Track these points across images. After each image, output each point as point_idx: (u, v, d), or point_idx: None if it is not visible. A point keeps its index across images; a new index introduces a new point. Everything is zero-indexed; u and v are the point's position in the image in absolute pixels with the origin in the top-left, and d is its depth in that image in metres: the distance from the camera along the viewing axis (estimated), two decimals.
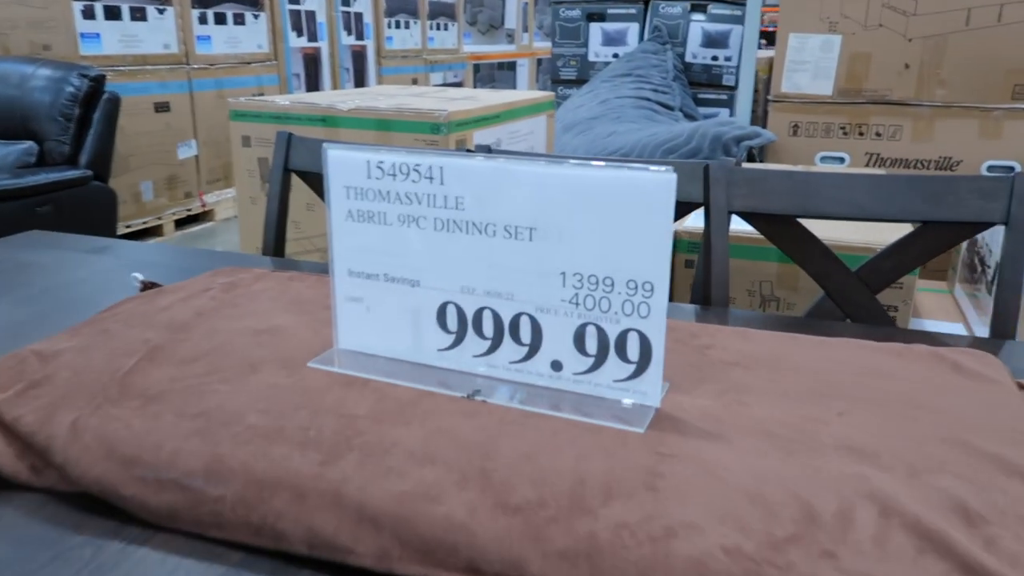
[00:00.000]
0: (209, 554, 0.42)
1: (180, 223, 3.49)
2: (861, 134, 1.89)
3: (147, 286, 0.79)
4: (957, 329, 1.53)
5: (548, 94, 1.96)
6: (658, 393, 0.51)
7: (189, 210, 3.51)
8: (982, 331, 1.42)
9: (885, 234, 1.22)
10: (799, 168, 1.25)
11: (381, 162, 0.55)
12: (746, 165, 1.19)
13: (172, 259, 1.01)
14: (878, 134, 1.88)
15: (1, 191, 2.26)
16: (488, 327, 0.55)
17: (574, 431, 0.48)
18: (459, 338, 0.56)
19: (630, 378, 0.51)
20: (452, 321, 0.56)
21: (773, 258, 1.18)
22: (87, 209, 2.60)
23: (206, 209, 3.62)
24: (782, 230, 0.84)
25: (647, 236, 0.48)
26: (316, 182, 1.08)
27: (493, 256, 0.53)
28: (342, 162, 0.57)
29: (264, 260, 1.00)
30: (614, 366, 0.51)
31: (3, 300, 0.82)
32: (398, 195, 0.55)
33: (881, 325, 0.81)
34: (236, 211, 3.75)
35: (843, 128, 1.90)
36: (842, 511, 0.40)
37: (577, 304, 0.51)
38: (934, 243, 0.80)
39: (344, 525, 0.41)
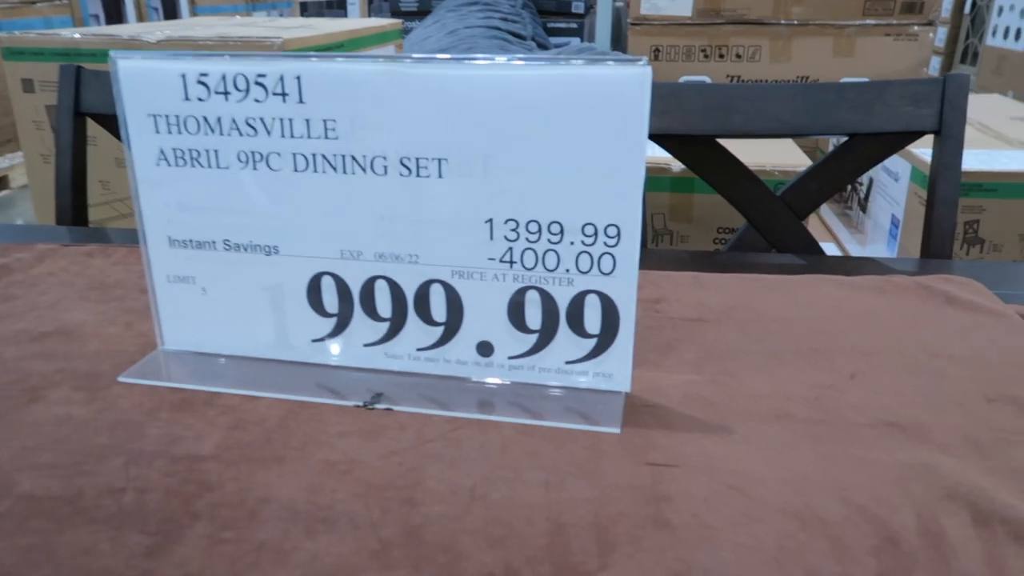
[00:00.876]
0: None
1: None
2: (721, 56, 1.83)
3: None
4: (831, 249, 1.52)
5: (395, 22, 1.75)
6: (627, 374, 0.38)
7: None
8: (856, 250, 1.41)
9: (790, 156, 1.15)
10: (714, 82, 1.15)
11: (205, 75, 0.37)
12: None
13: None
14: (738, 55, 1.83)
15: None
16: (384, 304, 0.39)
17: (528, 442, 0.34)
18: (342, 323, 0.40)
19: (588, 357, 0.38)
20: (330, 299, 0.39)
21: (666, 188, 1.08)
22: None
23: None
24: (701, 153, 0.72)
25: (611, 160, 0.34)
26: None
27: (386, 203, 0.37)
28: (143, 79, 0.38)
29: (58, 231, 0.77)
30: (566, 343, 0.38)
31: None
32: (235, 123, 0.37)
33: (811, 254, 0.72)
34: None
35: (704, 51, 1.84)
36: (926, 525, 0.29)
37: (512, 263, 0.37)
38: (863, 158, 0.72)
39: None
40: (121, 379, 0.40)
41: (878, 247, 1.26)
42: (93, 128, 0.86)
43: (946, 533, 0.28)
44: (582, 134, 0.34)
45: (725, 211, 1.02)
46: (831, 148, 1.60)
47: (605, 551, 0.28)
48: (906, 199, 1.13)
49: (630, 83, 0.33)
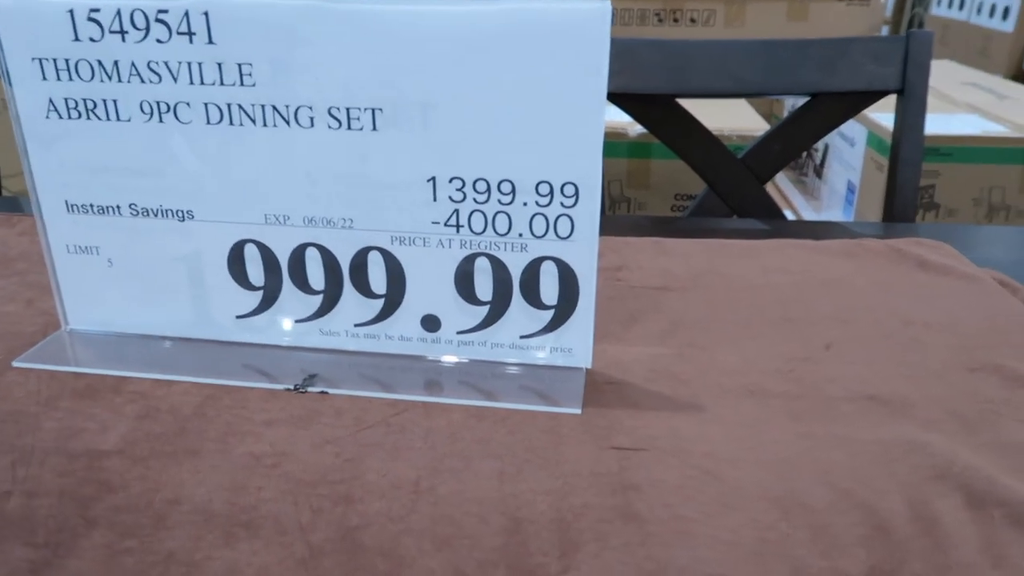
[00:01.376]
0: None
1: None
2: (676, 20, 1.80)
3: None
4: (788, 216, 1.51)
5: None
6: (588, 349, 0.34)
7: None
8: (812, 216, 1.40)
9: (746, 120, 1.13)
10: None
11: (96, 11, 0.32)
12: None
13: None
14: (692, 20, 1.80)
15: None
16: (316, 275, 0.35)
17: (479, 427, 0.31)
18: (270, 296, 0.35)
19: (545, 330, 0.34)
20: (255, 270, 0.35)
21: (623, 154, 1.04)
22: None
23: None
24: (660, 114, 0.69)
25: (568, 109, 0.30)
26: None
27: (314, 160, 0.33)
28: (24, 16, 0.33)
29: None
30: (520, 315, 0.34)
31: None
32: (135, 67, 0.32)
33: (773, 219, 0.70)
34: None
35: (658, 14, 1.80)
36: (917, 510, 0.26)
37: (458, 227, 0.33)
38: (825, 119, 0.69)
39: None
40: (16, 364, 0.35)
41: (834, 213, 1.25)
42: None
43: (939, 518, 0.26)
44: (536, 79, 0.30)
45: (683, 177, 0.99)
46: (786, 112, 1.59)
47: (568, 550, 0.24)
48: (862, 164, 1.11)
49: (589, 20, 0.29)
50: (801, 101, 0.70)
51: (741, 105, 1.22)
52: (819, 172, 1.37)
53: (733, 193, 0.71)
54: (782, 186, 1.58)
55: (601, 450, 0.29)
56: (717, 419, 0.31)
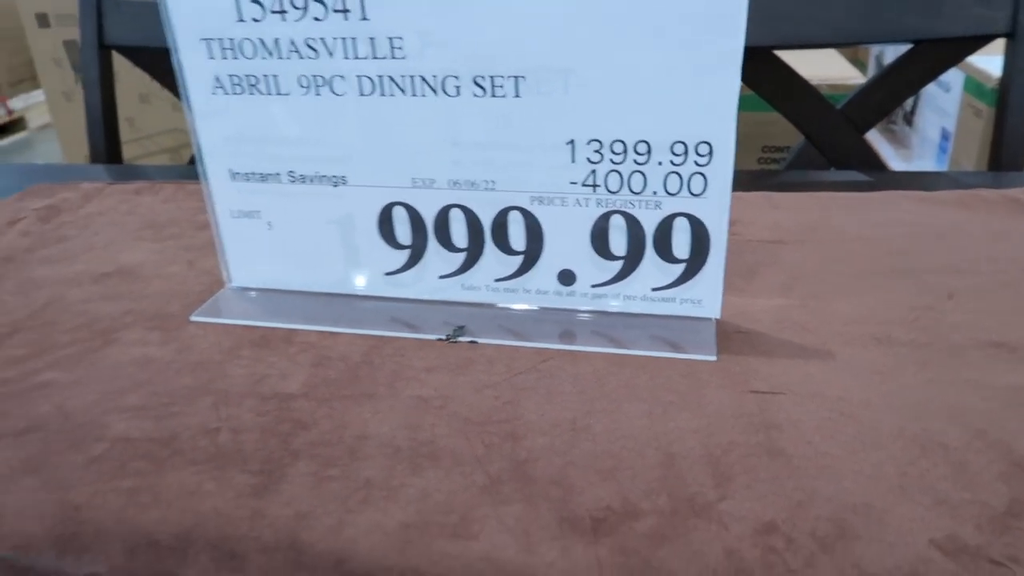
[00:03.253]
0: None
1: None
2: None
3: None
4: None
5: None
6: (718, 300, 0.36)
7: None
8: (900, 165, 1.37)
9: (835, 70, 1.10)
10: None
11: None
12: None
13: None
14: None
15: None
16: (459, 234, 0.37)
17: (621, 372, 0.33)
18: (416, 254, 0.38)
19: (675, 284, 0.36)
20: (403, 231, 0.38)
21: None
22: None
23: (14, 117, 3.08)
24: (756, 65, 0.69)
25: (704, 73, 0.32)
26: (149, 60, 0.82)
27: (459, 127, 0.35)
28: (193, 2, 0.36)
29: (96, 170, 0.76)
30: (652, 269, 0.36)
31: None
32: (294, 45, 0.35)
33: (872, 170, 0.69)
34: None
35: None
36: None
37: (595, 187, 0.35)
38: (930, 66, 0.68)
39: None
40: (193, 318, 0.39)
41: (926, 162, 1.22)
42: (116, 62, 0.84)
43: None
44: (673, 44, 0.32)
45: (772, 128, 0.98)
46: (872, 58, 1.53)
47: (722, 481, 0.27)
48: (959, 111, 1.08)
49: None
50: (895, 48, 0.68)
51: (830, 53, 1.19)
52: (909, 120, 1.33)
53: (832, 144, 0.70)
54: (868, 135, 1.54)
55: (740, 394, 0.31)
56: (847, 366, 0.33)
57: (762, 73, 0.69)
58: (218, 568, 0.25)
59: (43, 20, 1.34)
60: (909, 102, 1.31)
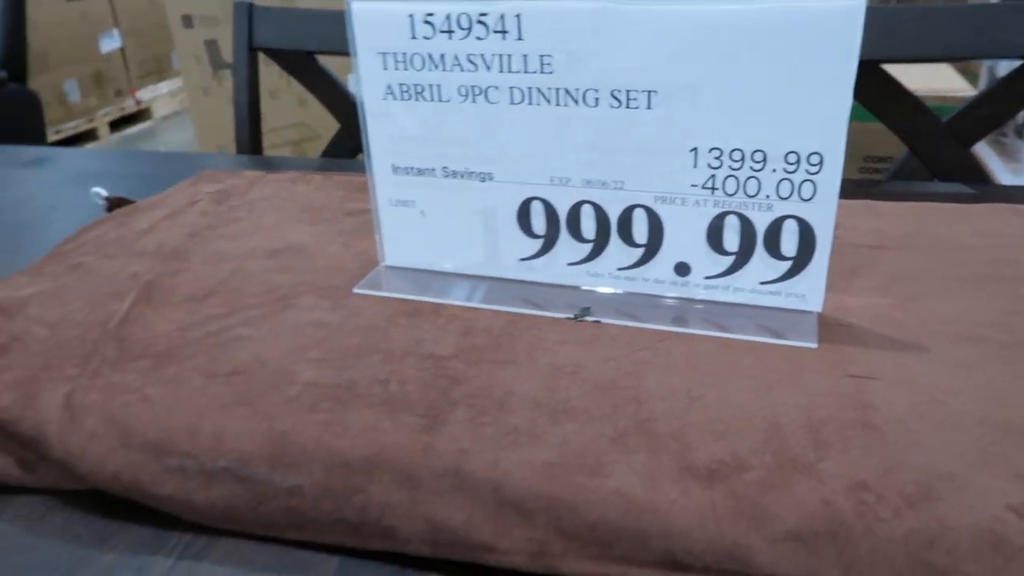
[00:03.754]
0: (295, 563, 0.32)
1: (115, 125, 3.20)
2: None
3: (115, 203, 0.64)
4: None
5: None
6: (820, 295, 0.40)
7: (123, 109, 3.22)
8: (1009, 179, 1.34)
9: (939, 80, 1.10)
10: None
11: (430, 15, 0.41)
12: None
13: (129, 166, 0.85)
14: None
15: None
16: (588, 227, 0.43)
17: (729, 354, 0.38)
18: (549, 243, 0.44)
19: (782, 279, 0.40)
20: (539, 222, 0.43)
21: None
22: (9, 116, 2.32)
23: (141, 108, 3.32)
24: (863, 77, 0.71)
25: (819, 91, 0.36)
26: (291, 61, 0.91)
27: (595, 133, 0.40)
28: (373, 20, 0.42)
29: (242, 160, 0.85)
30: (761, 265, 0.40)
31: None
32: (457, 59, 0.41)
33: (977, 183, 0.71)
34: (175, 107, 3.46)
35: None
36: None
37: (713, 189, 0.39)
38: None
39: (478, 515, 0.30)
40: (356, 290, 0.45)
41: None
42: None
43: None
44: (791, 67, 0.36)
45: (873, 139, 0.99)
46: (984, 69, 1.50)
47: (820, 447, 0.31)
48: None
49: (842, 17, 0.34)
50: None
51: (940, 64, 1.19)
52: (1021, 132, 1.30)
53: (935, 157, 0.72)
54: (977, 148, 1.51)
55: (838, 377, 0.35)
56: (938, 359, 0.36)
57: (867, 84, 0.72)
58: (398, 487, 0.31)
59: (188, 21, 1.47)
60: (1021, 115, 1.28)
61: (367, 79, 0.43)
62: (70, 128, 2.96)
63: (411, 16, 0.41)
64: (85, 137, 3.04)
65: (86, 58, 3.01)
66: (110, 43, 3.12)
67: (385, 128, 0.44)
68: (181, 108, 3.49)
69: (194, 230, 0.55)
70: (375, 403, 0.35)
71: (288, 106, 1.38)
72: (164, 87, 3.41)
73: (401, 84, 0.43)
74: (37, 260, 0.52)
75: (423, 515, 0.31)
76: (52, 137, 2.82)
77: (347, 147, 0.91)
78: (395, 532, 0.31)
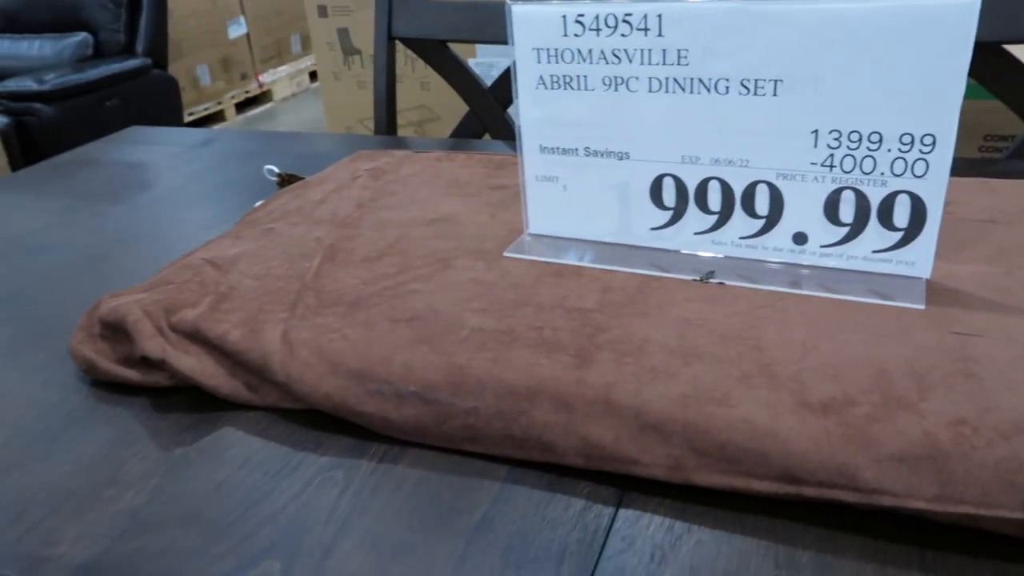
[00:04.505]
0: (469, 469, 0.39)
1: (240, 106, 3.42)
2: None
3: (285, 179, 0.74)
4: None
5: None
6: (929, 263, 0.44)
7: (247, 92, 3.43)
8: None
9: None
10: None
11: (581, 16, 0.47)
12: None
13: (284, 145, 0.96)
14: None
15: (70, 86, 2.22)
16: (714, 200, 0.48)
17: (841, 312, 0.43)
18: (677, 214, 0.49)
19: (893, 248, 0.45)
20: (669, 196, 0.49)
21: None
22: (152, 99, 2.54)
23: (263, 90, 3.53)
24: (981, 57, 0.73)
25: (934, 80, 0.40)
26: (426, 50, 0.99)
27: (725, 117, 0.46)
28: (530, 20, 0.49)
29: (384, 140, 0.93)
30: (874, 235, 0.45)
31: (130, 204, 0.78)
32: (603, 54, 0.47)
33: None
34: (293, 89, 3.65)
35: None
36: None
37: (831, 167, 0.44)
38: None
39: (624, 434, 0.37)
40: (506, 254, 0.52)
41: None
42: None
43: None
44: (907, 59, 0.40)
45: (995, 118, 0.98)
46: None
47: (923, 390, 0.36)
48: None
49: (958, 13, 0.38)
50: None
51: None
52: None
53: None
54: None
55: (943, 334, 0.40)
56: None
57: (988, 64, 0.73)
58: (556, 411, 0.38)
59: (322, 11, 1.58)
60: None
61: (522, 71, 0.50)
62: (201, 110, 3.19)
63: (564, 17, 0.47)
64: (214, 118, 3.26)
65: (215, 44, 3.23)
66: (237, 29, 3.33)
67: (536, 114, 0.51)
68: (299, 90, 3.68)
69: (359, 202, 0.64)
70: (532, 345, 0.42)
71: (412, 90, 1.47)
72: (283, 70, 3.61)
73: (552, 75, 0.49)
74: (217, 225, 0.62)
75: (577, 434, 0.38)
76: (186, 119, 3.04)
77: (474, 129, 0.99)
78: (554, 447, 0.38)
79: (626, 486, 0.37)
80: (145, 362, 0.46)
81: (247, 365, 0.45)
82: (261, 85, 3.50)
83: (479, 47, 1.45)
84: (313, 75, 3.82)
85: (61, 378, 0.49)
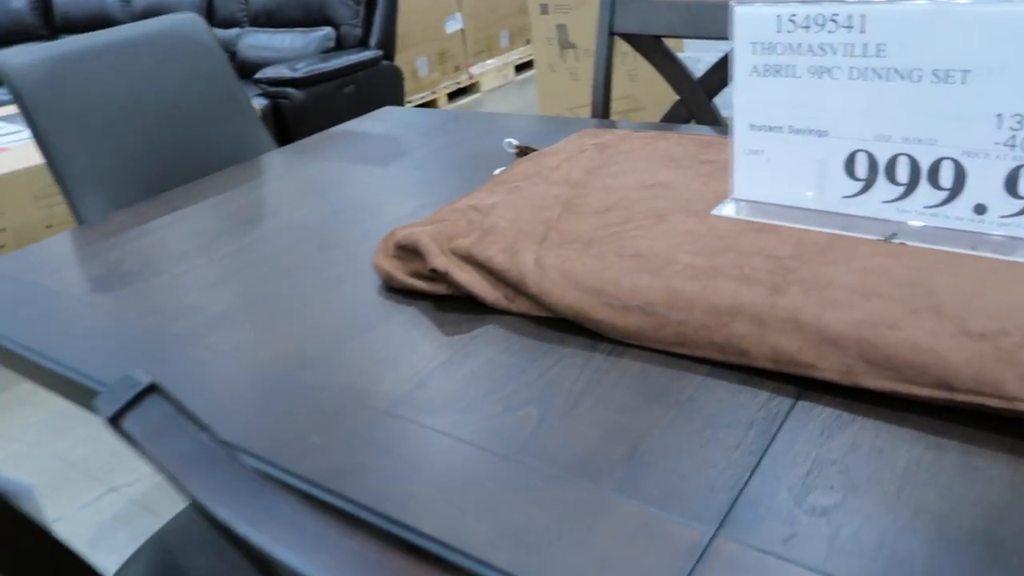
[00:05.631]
0: (677, 366, 0.51)
1: (451, 96, 3.71)
2: None
3: (522, 150, 0.89)
4: None
5: None
6: None
7: (458, 83, 3.71)
8: None
9: None
10: None
11: (793, 15, 0.57)
12: None
13: (514, 125, 1.11)
14: None
15: (317, 74, 2.56)
16: (903, 173, 0.56)
17: (1012, 272, 0.50)
18: (868, 185, 0.58)
19: None
20: (861, 169, 0.58)
21: None
22: (380, 87, 2.85)
23: (472, 81, 3.80)
24: None
25: None
26: (642, 44, 1.11)
27: (916, 102, 0.54)
28: (750, 19, 0.59)
29: (595, 123, 1.06)
30: None
31: (393, 166, 0.96)
32: (810, 47, 0.57)
33: None
34: (500, 81, 3.89)
35: None
36: None
37: (1013, 146, 0.51)
38: None
39: (806, 345, 0.47)
40: (714, 213, 0.63)
41: None
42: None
43: None
44: None
45: None
46: None
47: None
48: None
49: None
50: None
51: None
52: None
53: None
54: None
55: None
56: None
57: None
58: (752, 325, 0.49)
59: (544, 9, 1.75)
60: None
61: (739, 60, 0.61)
62: (418, 99, 3.50)
63: (779, 16, 0.57)
64: (428, 106, 3.57)
65: (434, 38, 3.53)
66: (453, 25, 3.61)
67: (747, 97, 0.61)
68: (504, 82, 3.92)
69: (588, 169, 0.77)
70: (734, 278, 0.53)
71: (620, 81, 1.59)
72: (491, 63, 3.87)
73: (764, 64, 0.59)
74: (463, 185, 0.77)
75: (768, 343, 0.48)
76: (406, 106, 3.36)
77: (682, 115, 1.09)
78: (748, 352, 0.49)
79: (804, 387, 0.47)
80: (428, 276, 0.62)
81: (507, 281, 0.59)
82: (471, 77, 3.78)
83: (687, 42, 1.54)
84: (518, 68, 4.04)
85: (361, 288, 0.67)
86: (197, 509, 0.27)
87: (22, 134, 2.26)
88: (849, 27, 0.54)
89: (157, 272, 0.75)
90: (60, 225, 1.94)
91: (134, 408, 0.29)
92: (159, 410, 0.28)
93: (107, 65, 1.13)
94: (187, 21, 1.22)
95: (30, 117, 1.06)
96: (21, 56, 1.08)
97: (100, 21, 3.29)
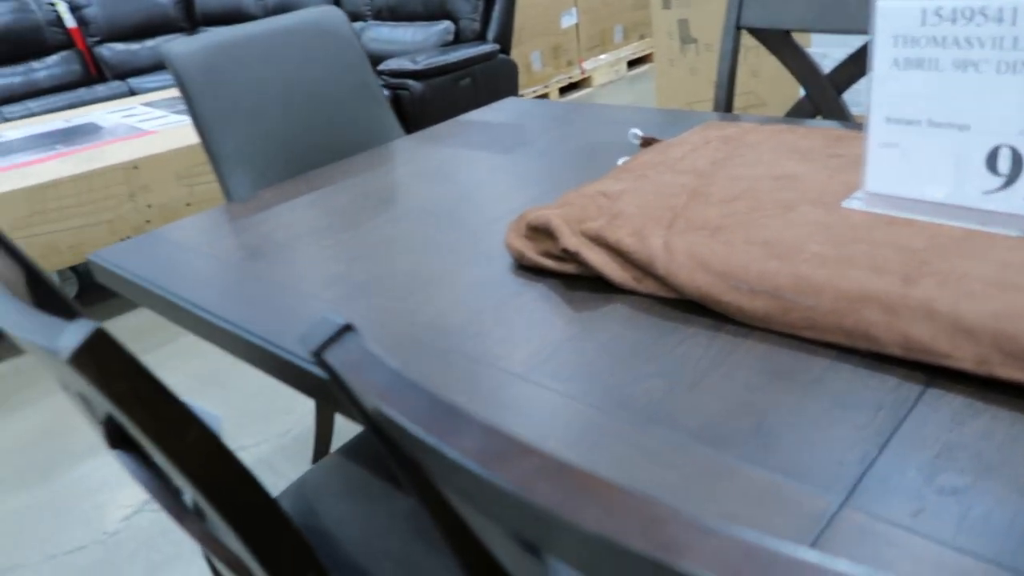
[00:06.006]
0: (803, 349, 0.52)
1: (563, 90, 3.74)
2: None
3: (646, 141, 0.91)
4: None
5: None
6: None
7: (570, 77, 3.74)
8: None
9: None
10: None
11: (940, 9, 0.57)
12: None
13: (637, 117, 1.13)
14: None
15: (436, 67, 2.64)
16: None
17: None
18: (1010, 180, 0.57)
19: None
20: (1004, 164, 0.57)
21: None
22: (495, 80, 2.92)
23: (584, 76, 3.82)
24: None
25: None
26: (769, 38, 1.10)
27: None
28: (893, 13, 0.59)
29: (718, 116, 1.07)
30: None
31: (516, 154, 1.00)
32: (956, 40, 0.56)
33: None
34: (611, 76, 3.89)
35: None
36: None
37: None
38: None
39: (940, 334, 0.47)
40: (844, 205, 0.64)
41: None
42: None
43: None
44: None
45: None
46: None
47: None
48: None
49: None
50: None
51: None
52: None
53: None
54: None
55: None
56: None
57: None
58: (882, 313, 0.50)
59: (666, 3, 1.75)
60: None
61: (880, 54, 0.61)
62: (530, 92, 3.55)
63: (924, 10, 0.57)
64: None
65: (548, 32, 3.56)
66: (568, 20, 3.64)
67: (886, 90, 0.62)
68: (616, 77, 3.92)
69: (713, 160, 0.79)
70: (865, 268, 0.54)
71: (742, 76, 1.58)
72: (604, 58, 3.87)
73: (906, 58, 0.60)
74: (587, 173, 0.80)
75: (899, 331, 0.49)
76: None
77: (807, 110, 1.09)
78: (878, 339, 0.50)
79: (933, 375, 0.48)
80: (558, 256, 0.66)
81: (636, 262, 0.62)
82: (583, 71, 3.79)
83: (814, 37, 1.51)
84: (631, 63, 4.03)
85: (492, 266, 0.71)
86: (392, 431, 0.31)
87: (168, 119, 2.45)
88: (999, 20, 0.54)
89: (305, 244, 0.82)
90: (198, 203, 2.10)
91: (333, 344, 0.33)
92: (355, 345, 0.33)
93: (257, 54, 1.23)
94: (329, 14, 1.31)
95: (189, 100, 1.16)
96: (183, 45, 1.18)
97: (236, 15, 3.50)
